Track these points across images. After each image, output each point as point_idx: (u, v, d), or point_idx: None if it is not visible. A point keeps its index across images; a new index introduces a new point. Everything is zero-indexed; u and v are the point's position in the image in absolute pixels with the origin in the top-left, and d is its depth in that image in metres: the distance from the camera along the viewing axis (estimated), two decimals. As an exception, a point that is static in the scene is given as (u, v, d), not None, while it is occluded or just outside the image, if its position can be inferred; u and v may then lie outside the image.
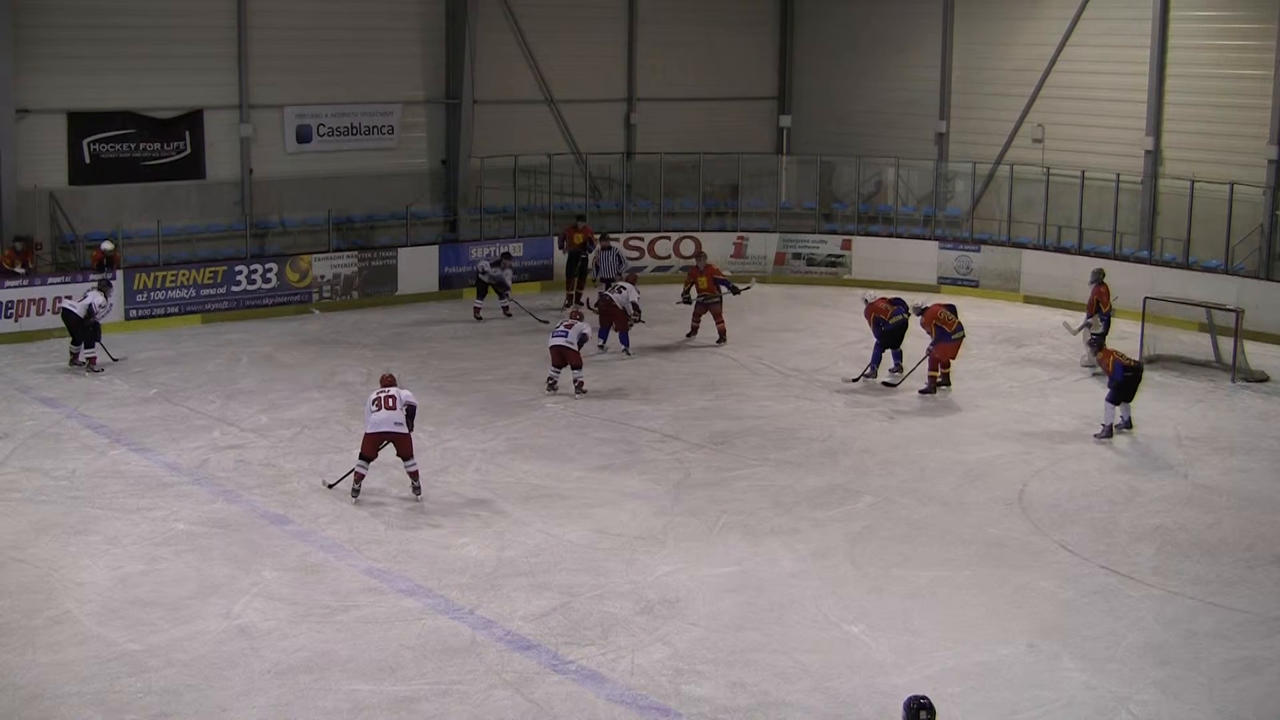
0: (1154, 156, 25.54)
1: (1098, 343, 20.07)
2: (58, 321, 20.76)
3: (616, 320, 21.50)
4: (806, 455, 16.77)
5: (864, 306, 20.11)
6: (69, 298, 20.60)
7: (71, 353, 20.21)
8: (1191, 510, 14.95)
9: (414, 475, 14.87)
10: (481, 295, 24.22)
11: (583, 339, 19.25)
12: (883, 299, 20.04)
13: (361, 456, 14.79)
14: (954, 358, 19.48)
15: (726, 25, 31.44)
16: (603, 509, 14.78)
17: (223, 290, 23.70)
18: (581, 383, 19.21)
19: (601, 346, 21.60)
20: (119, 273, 22.37)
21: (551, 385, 19.28)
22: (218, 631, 11.68)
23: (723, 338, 22.23)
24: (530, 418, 18.18)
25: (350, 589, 12.63)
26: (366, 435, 14.76)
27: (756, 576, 13.03)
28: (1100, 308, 20.36)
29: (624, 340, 21.51)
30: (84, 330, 20.01)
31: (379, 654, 11.29)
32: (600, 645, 11.48)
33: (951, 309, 19.56)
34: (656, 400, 19.07)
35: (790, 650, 11.45)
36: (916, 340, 19.70)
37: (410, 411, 14.81)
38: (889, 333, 19.71)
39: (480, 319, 23.88)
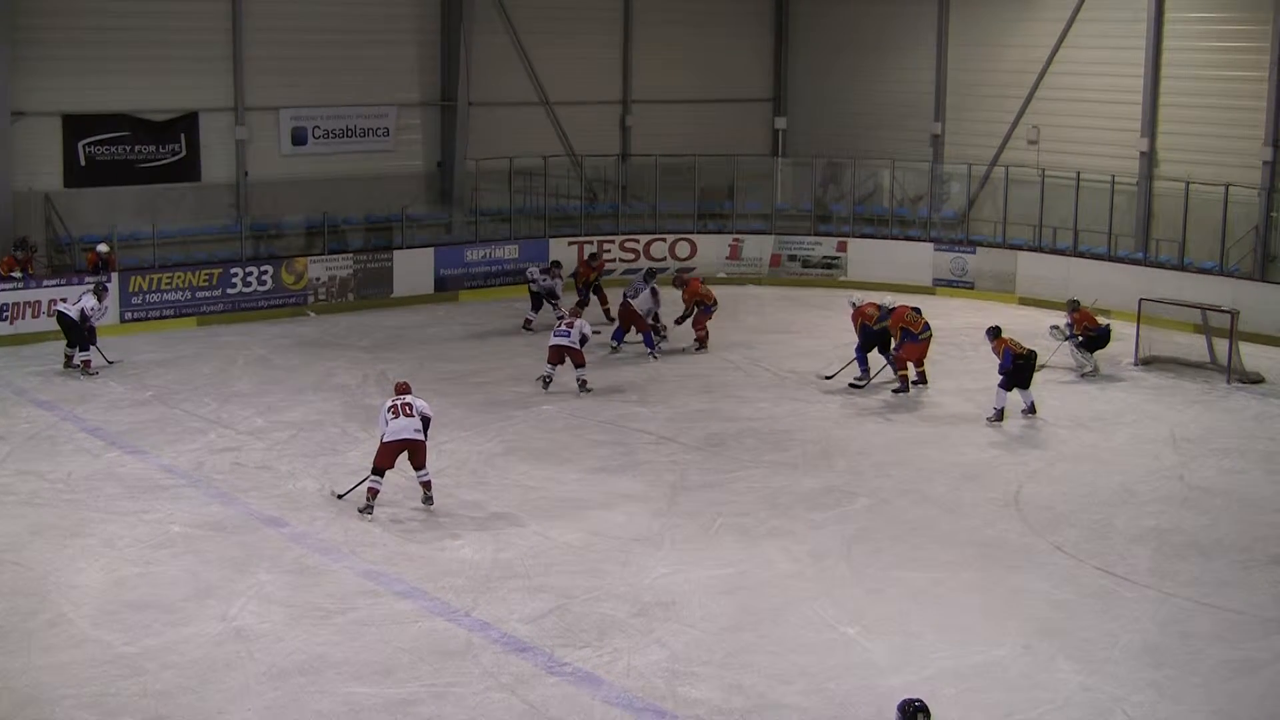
0: (1149, 158, 25.57)
1: (1089, 345, 20.36)
2: (53, 324, 20.72)
3: (636, 323, 21.55)
4: (802, 457, 16.78)
5: (850, 310, 20.19)
6: (64, 300, 20.60)
7: (66, 355, 20.18)
8: (1187, 511, 14.96)
9: (427, 485, 14.69)
10: (536, 308, 23.36)
11: (584, 338, 19.26)
12: (870, 304, 20.11)
13: (376, 470, 14.48)
14: (924, 357, 19.63)
15: (722, 27, 31.46)
16: (599, 511, 14.78)
17: (218, 292, 23.67)
18: (585, 381, 19.24)
19: (615, 348, 21.61)
20: (114, 275, 22.36)
21: (546, 383, 19.28)
22: (214, 634, 11.66)
23: (702, 345, 21.98)
24: (526, 420, 18.17)
25: (346, 591, 12.62)
26: (385, 444, 14.46)
27: (753, 578, 13.03)
28: (1088, 329, 20.51)
29: (649, 343, 21.55)
30: (79, 333, 19.97)
31: (375, 656, 11.28)
32: (596, 647, 11.48)
33: (917, 310, 19.78)
34: (652, 402, 19.07)
35: (786, 652, 11.45)
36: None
37: (425, 423, 14.62)
38: (873, 338, 19.80)
39: (531, 329, 23.21)
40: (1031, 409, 18.24)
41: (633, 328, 21.70)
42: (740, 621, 12.05)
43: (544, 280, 23.53)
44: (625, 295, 21.97)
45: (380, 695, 10.65)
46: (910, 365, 19.60)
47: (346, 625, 11.87)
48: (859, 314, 19.94)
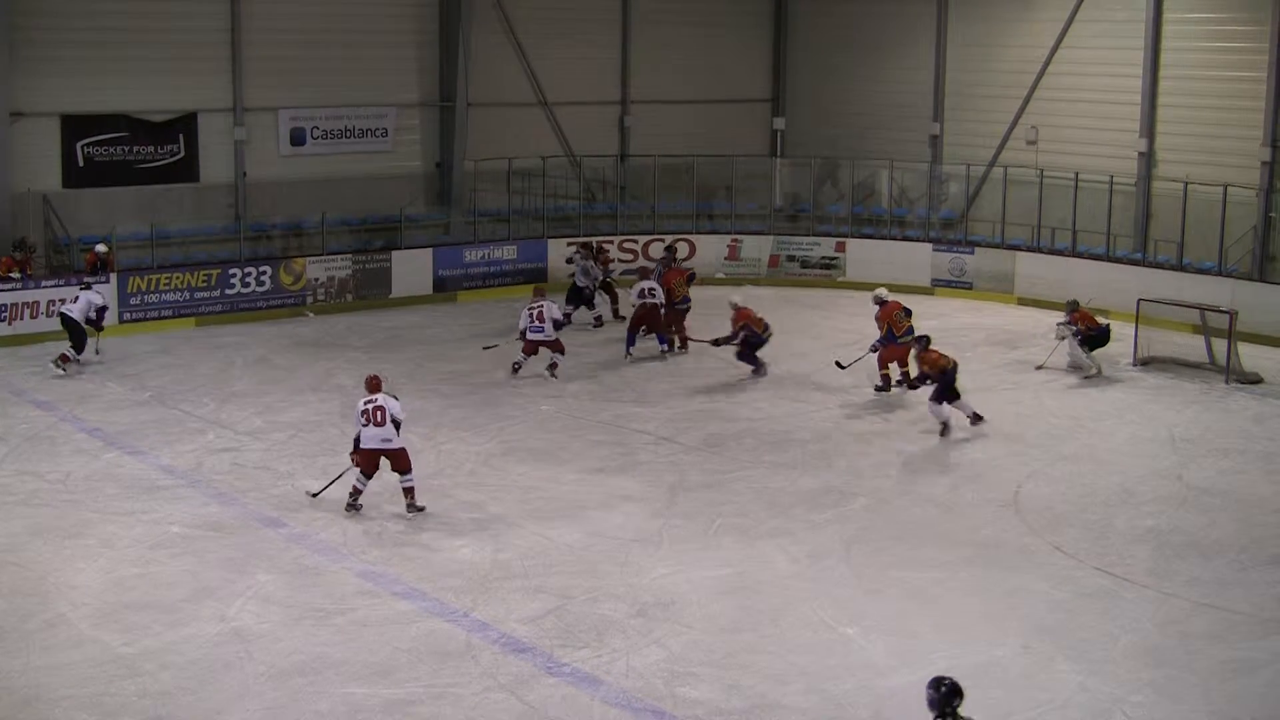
0: (1148, 158, 25.58)
1: (1089, 344, 20.35)
2: (52, 325, 20.75)
3: (654, 325, 21.55)
4: (801, 457, 16.78)
5: (732, 312, 20.19)
6: (64, 301, 20.64)
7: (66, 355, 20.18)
8: (1186, 512, 14.97)
9: (408, 493, 14.44)
10: (572, 300, 23.38)
11: (556, 323, 19.88)
12: (749, 309, 20.23)
13: (362, 472, 14.46)
14: (905, 358, 19.36)
15: (721, 28, 31.47)
16: (597, 511, 14.78)
17: (217, 293, 23.67)
18: (555, 364, 19.82)
19: (629, 356, 21.40)
20: (113, 275, 22.37)
21: (516, 369, 19.91)
22: (212, 635, 11.67)
23: (684, 346, 21.81)
24: (525, 420, 18.17)
25: (345, 592, 12.62)
26: (362, 451, 14.39)
27: (751, 579, 13.03)
28: (1089, 329, 20.50)
29: (662, 341, 21.59)
30: (81, 334, 19.96)
31: (374, 657, 11.28)
32: (595, 648, 11.48)
33: (908, 312, 19.65)
34: (651, 403, 19.07)
35: (785, 652, 11.45)
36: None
37: (396, 426, 14.41)
38: (757, 343, 20.07)
39: (601, 324, 23.54)
40: (976, 417, 17.66)
41: (645, 331, 21.58)
42: (739, 622, 12.05)
43: (581, 263, 23.58)
44: (641, 298, 21.80)
45: (379, 695, 10.65)
46: (893, 366, 19.52)
47: (345, 626, 11.87)
48: (741, 315, 20.06)
